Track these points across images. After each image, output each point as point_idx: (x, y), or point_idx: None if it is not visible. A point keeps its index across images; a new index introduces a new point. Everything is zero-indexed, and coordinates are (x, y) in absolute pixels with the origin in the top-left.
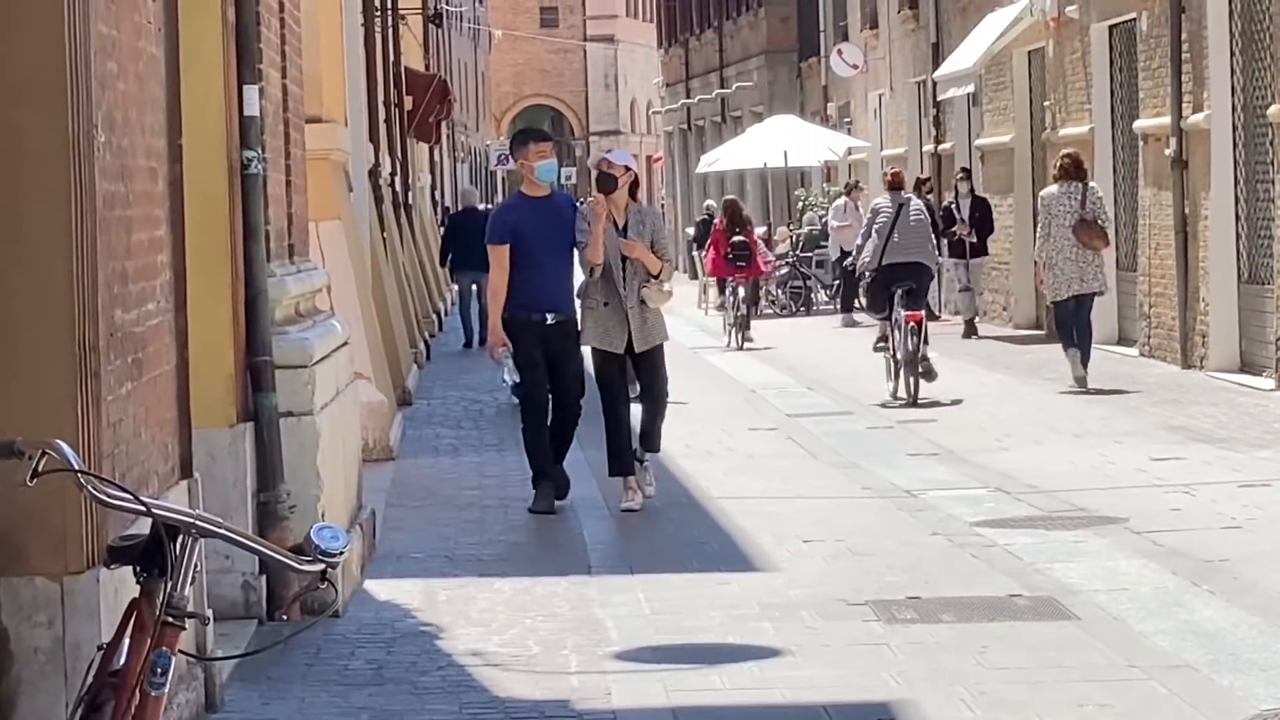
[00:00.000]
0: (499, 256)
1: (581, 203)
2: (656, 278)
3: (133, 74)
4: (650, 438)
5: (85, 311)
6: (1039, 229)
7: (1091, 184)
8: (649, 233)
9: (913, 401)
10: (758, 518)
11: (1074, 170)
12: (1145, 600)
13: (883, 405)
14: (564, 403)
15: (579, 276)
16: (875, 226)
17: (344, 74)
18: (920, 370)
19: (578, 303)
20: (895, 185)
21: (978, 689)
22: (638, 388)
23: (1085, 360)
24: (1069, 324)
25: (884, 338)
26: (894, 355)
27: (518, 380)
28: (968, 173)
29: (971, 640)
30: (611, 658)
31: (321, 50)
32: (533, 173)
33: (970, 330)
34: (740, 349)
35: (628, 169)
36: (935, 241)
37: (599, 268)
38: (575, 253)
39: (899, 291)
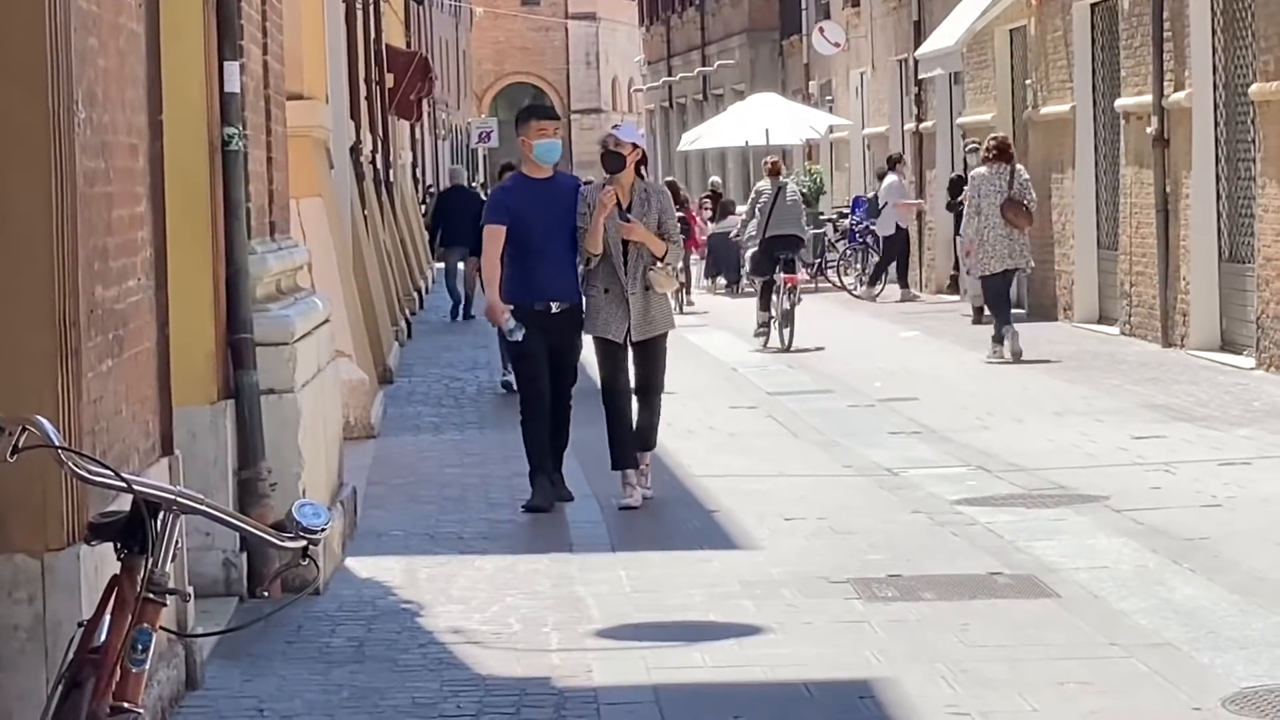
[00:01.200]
0: (494, 237)
1: (587, 183)
2: (663, 260)
3: (113, 50)
4: (645, 434)
5: (66, 288)
6: (968, 208)
7: (1018, 166)
8: (655, 212)
9: (787, 348)
10: (739, 496)
11: (1002, 153)
12: (1125, 578)
13: (759, 350)
14: (556, 393)
15: None
16: (758, 206)
17: (325, 51)
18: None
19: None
20: (774, 172)
21: (958, 667)
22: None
23: (1001, 331)
24: (1003, 296)
25: (765, 296)
26: (775, 311)
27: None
28: (977, 145)
29: (952, 618)
30: (593, 635)
31: (303, 27)
32: (531, 151)
33: (981, 316)
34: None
35: (635, 146)
36: (805, 219)
37: (596, 258)
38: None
39: (781, 259)
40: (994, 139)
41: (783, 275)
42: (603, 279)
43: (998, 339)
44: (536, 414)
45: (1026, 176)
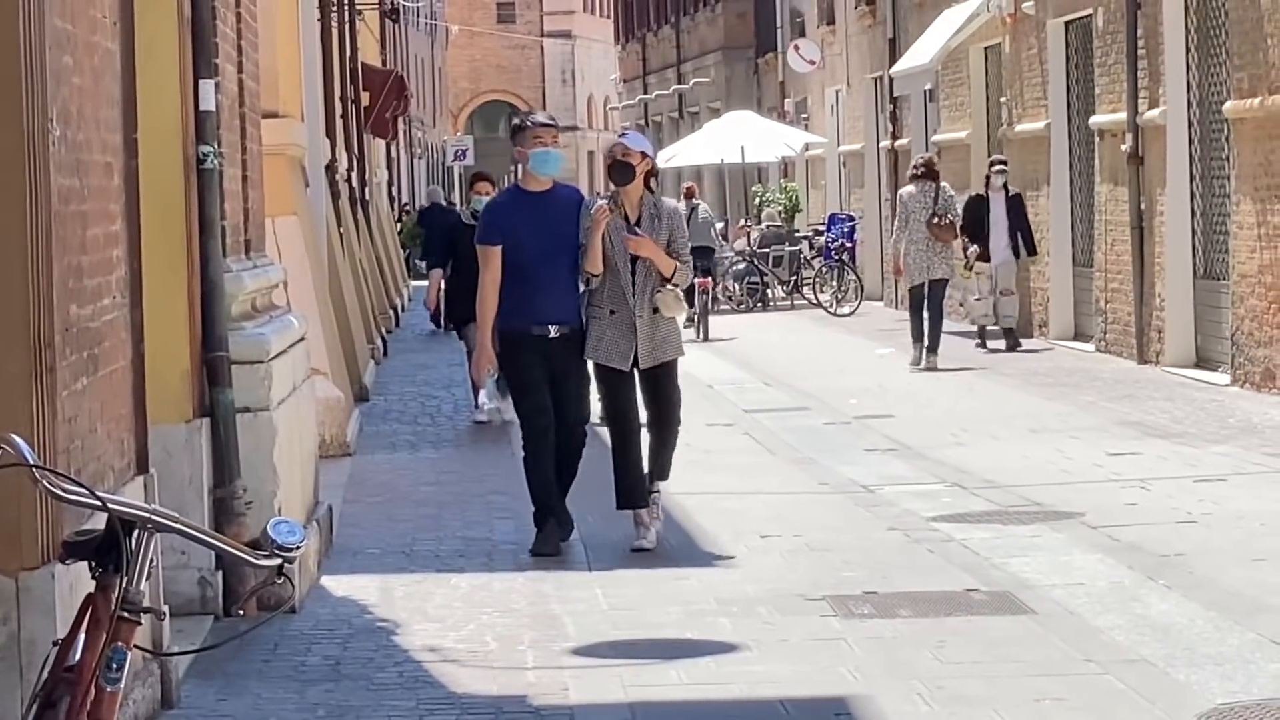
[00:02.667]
0: (489, 259)
1: (601, 197)
2: (671, 281)
3: (88, 68)
4: (660, 465)
5: (40, 306)
6: (896, 223)
7: (943, 184)
8: (665, 229)
9: (705, 338)
10: (715, 513)
11: (928, 173)
12: (1101, 595)
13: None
14: (566, 426)
15: None
16: None
17: (300, 69)
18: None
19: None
20: (689, 195)
21: (935, 684)
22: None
23: (935, 341)
24: (920, 307)
25: (689, 297)
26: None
27: (494, 407)
28: (1003, 164)
29: (928, 635)
30: (569, 653)
31: (278, 45)
32: (527, 161)
33: (1011, 346)
34: None
35: (645, 155)
36: (715, 232)
37: (596, 278)
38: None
39: (698, 266)
40: (921, 159)
41: (697, 280)
42: (608, 300)
43: (931, 348)
44: (541, 451)
45: (951, 194)
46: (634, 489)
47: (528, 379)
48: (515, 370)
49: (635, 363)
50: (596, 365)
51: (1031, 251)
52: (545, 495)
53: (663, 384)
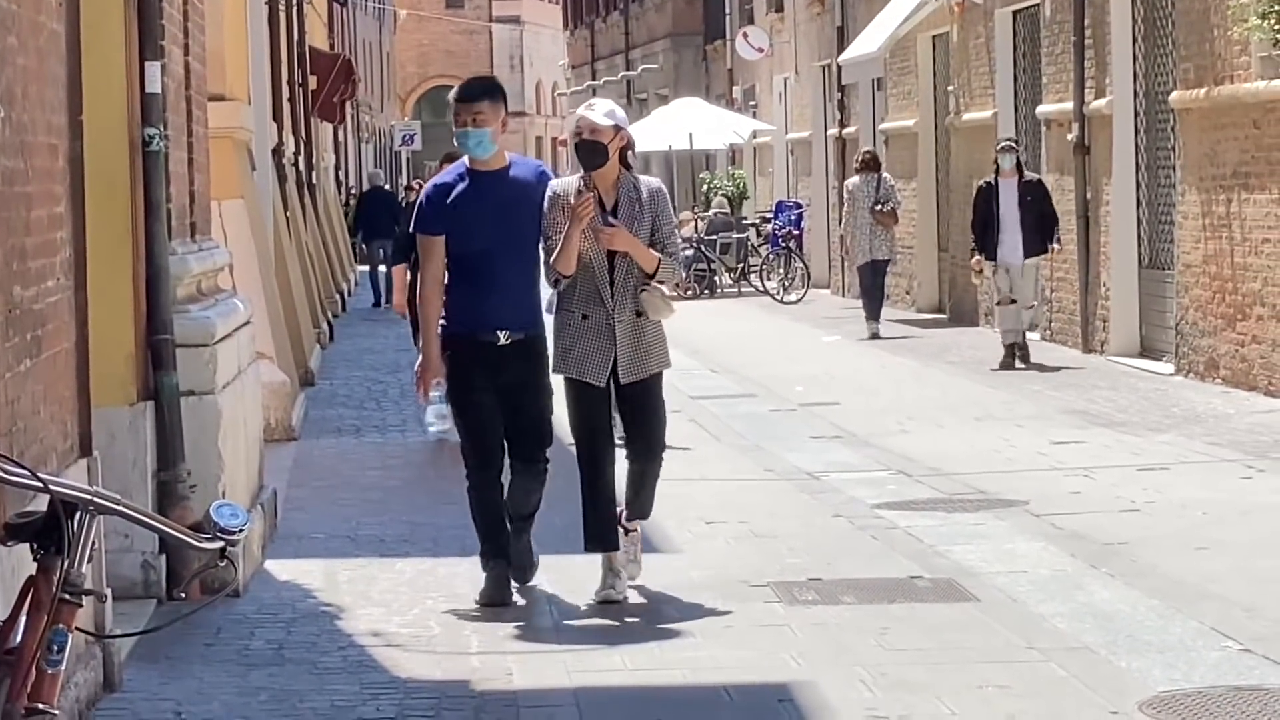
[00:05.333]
0: (430, 252)
1: (583, 188)
2: (655, 278)
3: (33, 49)
4: (640, 501)
5: None
6: (844, 212)
7: (885, 174)
8: (648, 215)
9: None
10: (660, 499)
11: (872, 164)
12: (1044, 582)
13: None
14: (524, 455)
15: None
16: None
17: (248, 52)
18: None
19: (547, 317)
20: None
21: (878, 670)
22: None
23: (877, 315)
24: (870, 286)
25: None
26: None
27: (443, 429)
28: (1013, 144)
29: (872, 621)
30: (513, 639)
31: (225, 28)
32: (459, 144)
33: (1014, 356)
34: None
35: (618, 129)
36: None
37: (566, 280)
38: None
39: None
40: (866, 151)
41: None
42: (580, 302)
43: (872, 316)
44: (486, 480)
45: (892, 183)
46: (605, 527)
47: (471, 403)
48: (458, 389)
49: (613, 376)
50: (567, 381)
51: (1053, 240)
52: (493, 532)
53: (645, 402)
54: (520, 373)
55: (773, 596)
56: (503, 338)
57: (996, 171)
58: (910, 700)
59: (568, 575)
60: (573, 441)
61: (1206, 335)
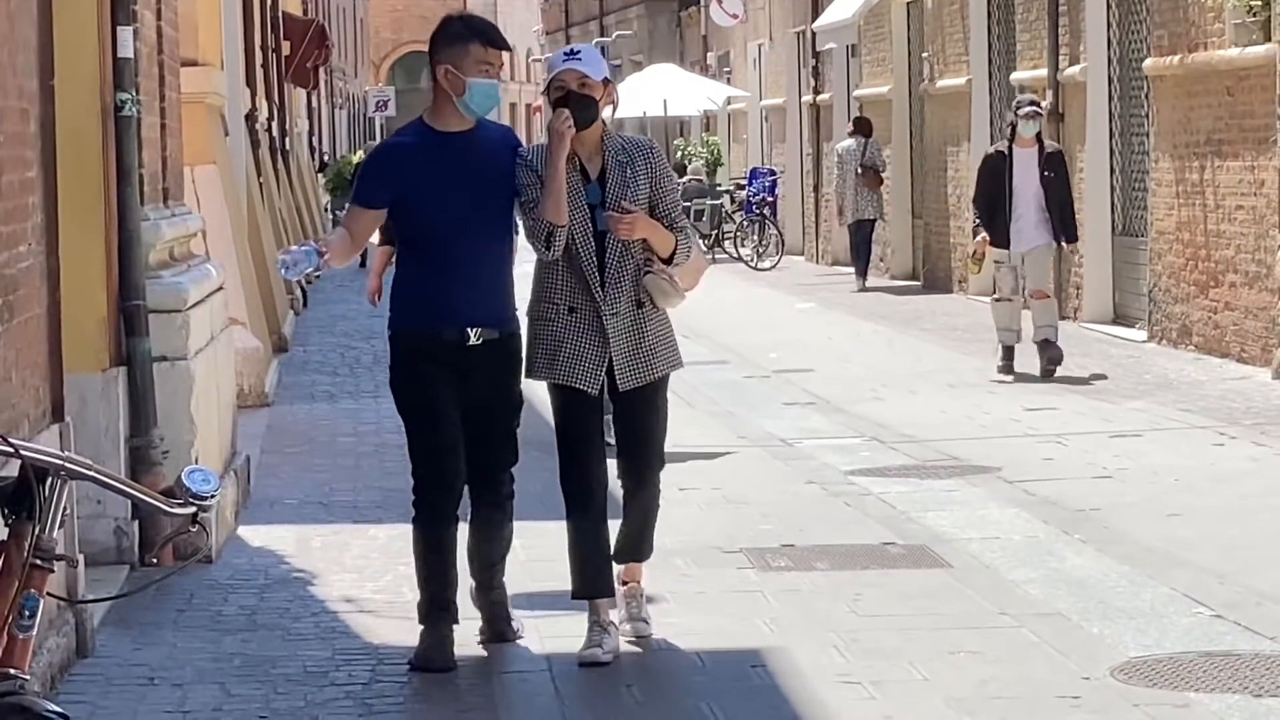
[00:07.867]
0: (359, 223)
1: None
2: (669, 261)
3: (4, 13)
4: (638, 543)
5: None
6: (837, 173)
7: (872, 139)
8: (646, 185)
9: None
10: None
11: (860, 128)
12: (1017, 549)
13: None
14: (487, 480)
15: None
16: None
17: (220, 17)
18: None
19: (521, 311)
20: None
21: (851, 636)
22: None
23: (864, 272)
24: (858, 243)
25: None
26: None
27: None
28: (1036, 106)
29: (845, 588)
30: None
31: None
32: (464, 92)
33: (1012, 358)
34: None
35: (607, 83)
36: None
37: (560, 235)
38: (516, 223)
39: None
40: (858, 117)
41: None
42: (564, 292)
43: (860, 272)
44: (443, 514)
45: (880, 147)
46: (596, 570)
47: (429, 417)
48: (411, 399)
49: (608, 382)
50: (553, 388)
51: (1072, 237)
52: (438, 582)
53: (644, 412)
54: (492, 380)
55: (745, 563)
56: (473, 336)
57: (1012, 138)
58: (882, 666)
59: (541, 541)
60: (555, 440)
61: (1179, 302)
